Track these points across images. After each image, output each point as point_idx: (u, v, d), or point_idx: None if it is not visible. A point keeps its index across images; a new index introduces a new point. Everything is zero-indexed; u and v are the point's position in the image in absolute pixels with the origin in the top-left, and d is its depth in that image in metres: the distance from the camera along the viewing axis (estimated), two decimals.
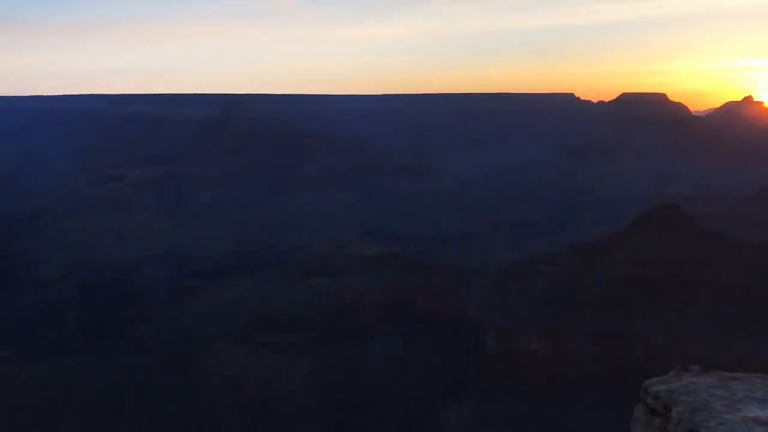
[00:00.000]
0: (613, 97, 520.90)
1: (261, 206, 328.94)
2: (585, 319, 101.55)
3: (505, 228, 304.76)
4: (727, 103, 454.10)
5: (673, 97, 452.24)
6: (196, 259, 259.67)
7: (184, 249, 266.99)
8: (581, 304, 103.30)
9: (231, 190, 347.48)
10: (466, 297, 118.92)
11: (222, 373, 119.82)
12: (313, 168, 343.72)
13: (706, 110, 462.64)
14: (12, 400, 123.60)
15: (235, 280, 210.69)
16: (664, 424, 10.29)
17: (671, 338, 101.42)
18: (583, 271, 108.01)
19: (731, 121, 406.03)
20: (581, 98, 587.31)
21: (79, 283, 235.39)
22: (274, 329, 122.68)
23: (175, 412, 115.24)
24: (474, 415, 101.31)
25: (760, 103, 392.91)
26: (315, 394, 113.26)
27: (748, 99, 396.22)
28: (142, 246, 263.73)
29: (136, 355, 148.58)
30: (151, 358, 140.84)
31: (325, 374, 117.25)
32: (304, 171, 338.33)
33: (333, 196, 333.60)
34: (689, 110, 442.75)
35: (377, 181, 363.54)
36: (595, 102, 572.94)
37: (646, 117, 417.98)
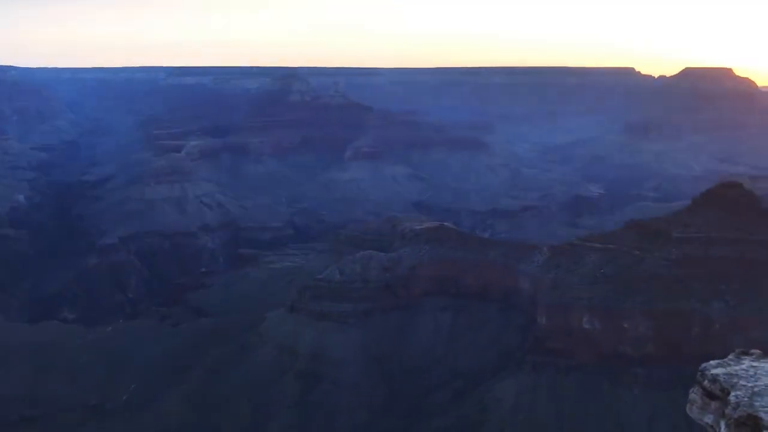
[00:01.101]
0: (676, 71, 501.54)
1: (315, 178, 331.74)
2: (640, 298, 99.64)
3: (560, 204, 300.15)
4: None
5: (739, 71, 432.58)
6: (251, 229, 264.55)
7: (240, 219, 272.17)
8: (637, 283, 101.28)
9: (286, 162, 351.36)
10: (518, 272, 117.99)
11: (275, 341, 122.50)
12: (366, 141, 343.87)
13: None
14: (76, 362, 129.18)
15: (289, 251, 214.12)
16: (722, 408, 10.10)
17: (731, 321, 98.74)
18: (640, 250, 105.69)
19: None
20: (641, 72, 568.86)
21: (140, 250, 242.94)
22: (326, 299, 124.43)
23: (231, 377, 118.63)
24: (524, 391, 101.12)
25: None
26: (364, 364, 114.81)
27: None
28: (200, 215, 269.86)
29: (193, 321, 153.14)
30: (207, 324, 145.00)
31: (374, 345, 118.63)
32: (358, 144, 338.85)
33: (386, 169, 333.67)
34: (756, 85, 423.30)
35: (430, 155, 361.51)
36: (656, 77, 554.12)
37: (710, 92, 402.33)
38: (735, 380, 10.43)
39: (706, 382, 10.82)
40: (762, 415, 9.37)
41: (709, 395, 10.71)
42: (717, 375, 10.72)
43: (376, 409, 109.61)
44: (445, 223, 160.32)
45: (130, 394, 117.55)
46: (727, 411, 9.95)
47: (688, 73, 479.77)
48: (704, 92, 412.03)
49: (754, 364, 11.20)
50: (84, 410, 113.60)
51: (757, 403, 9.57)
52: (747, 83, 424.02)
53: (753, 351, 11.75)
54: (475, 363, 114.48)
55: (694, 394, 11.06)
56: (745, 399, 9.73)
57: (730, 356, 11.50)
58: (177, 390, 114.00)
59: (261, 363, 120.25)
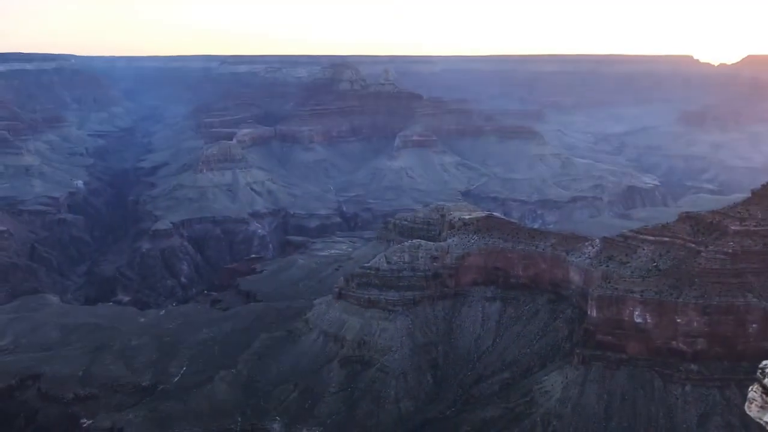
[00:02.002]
0: (738, 59, 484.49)
1: (364, 166, 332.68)
2: (694, 292, 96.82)
3: (612, 194, 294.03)
4: None
5: None
6: (300, 216, 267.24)
7: (289, 206, 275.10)
8: (691, 276, 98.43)
9: (335, 150, 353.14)
10: (568, 264, 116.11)
11: (322, 327, 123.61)
12: (416, 129, 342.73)
13: None
14: (129, 344, 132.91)
15: (336, 238, 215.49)
16: None
17: None
18: (695, 242, 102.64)
19: None
20: (700, 60, 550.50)
21: (192, 235, 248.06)
22: (374, 287, 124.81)
23: (278, 360, 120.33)
24: (572, 384, 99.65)
25: None
26: (410, 352, 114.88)
27: None
28: (250, 202, 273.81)
29: (243, 306, 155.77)
30: (256, 309, 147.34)
31: (421, 334, 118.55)
32: (408, 132, 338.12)
33: (435, 158, 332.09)
34: None
35: (480, 144, 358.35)
36: (716, 65, 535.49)
37: None
38: None
39: (766, 380, 10.25)
40: None
41: None
42: None
43: (422, 397, 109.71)
44: (494, 213, 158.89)
45: (181, 375, 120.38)
46: None
47: (750, 61, 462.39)
48: (767, 81, 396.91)
49: None
50: (136, 390, 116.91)
51: None
52: None
53: None
54: (523, 355, 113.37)
55: (754, 393, 10.51)
56: None
57: None
58: (226, 373, 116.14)
59: (308, 349, 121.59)
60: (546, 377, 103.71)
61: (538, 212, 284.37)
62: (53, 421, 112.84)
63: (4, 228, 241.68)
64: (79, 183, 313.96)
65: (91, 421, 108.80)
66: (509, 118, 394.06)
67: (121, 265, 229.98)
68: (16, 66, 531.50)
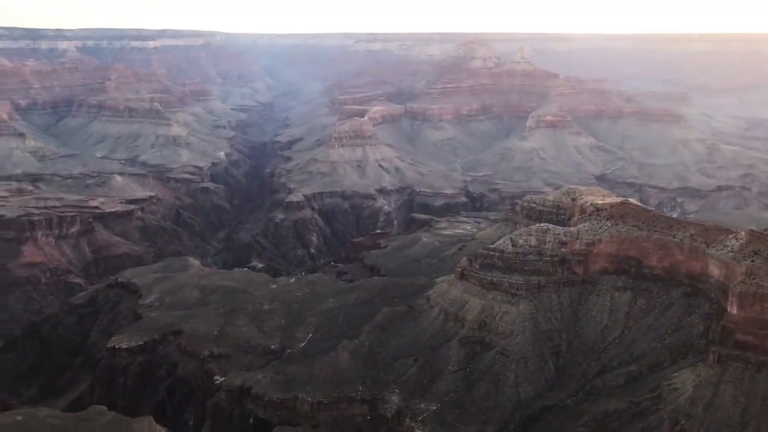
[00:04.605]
0: None
1: (493, 146, 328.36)
2: None
3: (762, 185, 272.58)
4: None
5: None
6: (425, 194, 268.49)
7: (416, 184, 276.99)
8: None
9: (465, 129, 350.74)
10: (708, 257, 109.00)
11: (443, 305, 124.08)
12: (550, 109, 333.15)
13: None
14: (261, 309, 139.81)
15: (461, 218, 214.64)
16: None
17: None
18: None
19: None
20: None
21: (322, 208, 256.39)
22: (497, 269, 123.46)
23: (399, 334, 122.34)
24: (705, 384, 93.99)
25: None
26: (532, 337, 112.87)
27: None
28: (378, 178, 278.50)
29: (367, 279, 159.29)
30: (380, 283, 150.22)
31: (544, 320, 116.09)
32: (541, 112, 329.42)
33: (569, 140, 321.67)
34: None
35: (618, 126, 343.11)
36: None
37: None
38: None
39: None
40: None
41: None
42: None
43: (543, 384, 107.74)
44: (630, 199, 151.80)
45: (307, 341, 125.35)
46: None
47: None
48: None
49: None
50: (265, 352, 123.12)
51: None
52: None
53: None
54: (653, 348, 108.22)
55: None
56: None
57: None
58: (349, 342, 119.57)
59: (428, 325, 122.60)
60: (676, 374, 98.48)
61: (678, 200, 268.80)
62: (190, 375, 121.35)
63: (154, 193, 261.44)
64: (221, 154, 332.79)
65: (223, 379, 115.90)
66: (651, 99, 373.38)
67: (257, 233, 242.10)
68: (169, 42, 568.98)
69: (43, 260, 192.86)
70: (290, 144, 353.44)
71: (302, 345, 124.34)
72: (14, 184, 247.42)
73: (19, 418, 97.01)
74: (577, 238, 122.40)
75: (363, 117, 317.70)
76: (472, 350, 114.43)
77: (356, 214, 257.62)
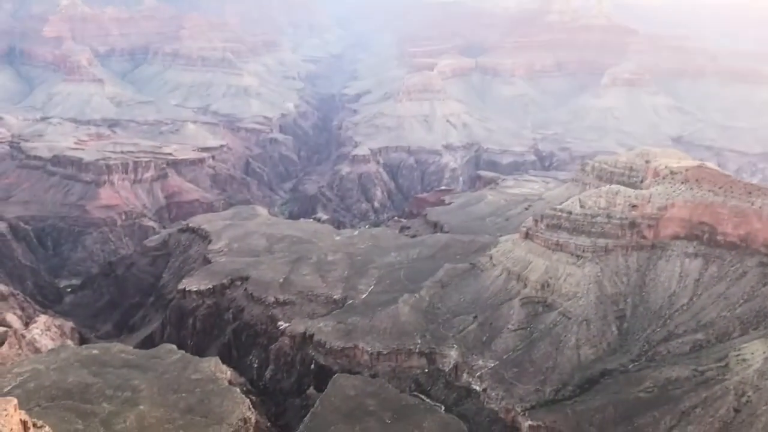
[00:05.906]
0: None
1: (566, 104, 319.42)
2: None
3: None
4: None
5: None
6: (493, 151, 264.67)
7: (483, 141, 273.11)
8: None
9: (537, 86, 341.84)
10: None
11: (505, 264, 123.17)
12: (628, 66, 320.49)
13: None
14: (325, 259, 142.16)
15: (528, 177, 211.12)
16: None
17: None
18: None
19: None
20: None
21: (387, 162, 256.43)
22: (564, 230, 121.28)
23: (460, 291, 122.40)
24: None
25: None
26: (597, 300, 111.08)
27: None
28: (444, 134, 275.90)
29: (430, 235, 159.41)
30: (443, 239, 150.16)
31: (610, 283, 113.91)
32: (618, 69, 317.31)
33: (646, 99, 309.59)
34: None
35: (699, 86, 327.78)
36: None
37: None
38: None
39: None
40: None
41: None
42: None
43: (604, 347, 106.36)
44: (707, 163, 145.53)
45: (368, 293, 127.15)
46: None
47: None
48: None
49: None
50: (328, 302, 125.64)
51: None
52: None
53: None
54: (722, 318, 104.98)
55: None
56: None
57: None
58: (410, 296, 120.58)
59: (490, 284, 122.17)
60: (746, 345, 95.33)
61: (759, 166, 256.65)
62: (256, 320, 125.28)
63: (225, 142, 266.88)
64: (290, 105, 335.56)
65: (287, 325, 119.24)
66: (737, 58, 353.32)
67: (323, 185, 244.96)
68: None
69: (119, 203, 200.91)
70: (358, 97, 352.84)
71: (364, 296, 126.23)
72: (93, 129, 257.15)
73: (95, 351, 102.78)
74: (649, 202, 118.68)
75: (432, 70, 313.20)
76: (534, 310, 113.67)
77: (421, 169, 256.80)
